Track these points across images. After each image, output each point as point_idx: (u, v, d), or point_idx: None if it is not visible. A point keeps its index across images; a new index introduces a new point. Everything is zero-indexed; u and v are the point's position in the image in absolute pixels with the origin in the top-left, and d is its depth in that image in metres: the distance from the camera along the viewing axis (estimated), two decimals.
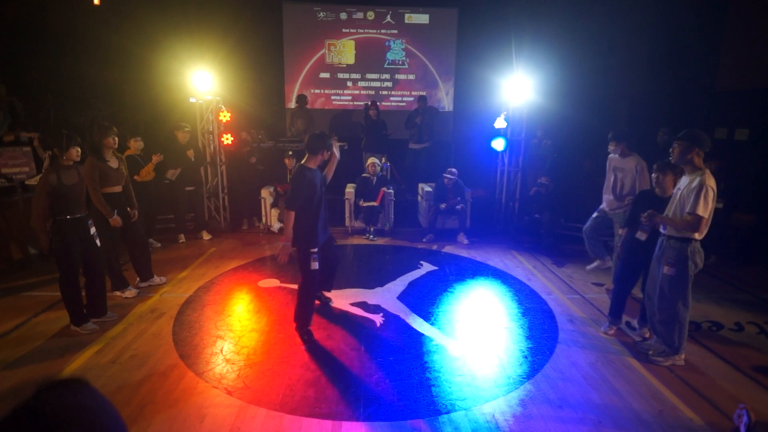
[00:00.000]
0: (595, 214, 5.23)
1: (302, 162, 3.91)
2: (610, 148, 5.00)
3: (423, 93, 9.34)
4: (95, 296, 4.12)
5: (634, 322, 4.25)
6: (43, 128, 7.06)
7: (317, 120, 9.34)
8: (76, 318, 3.96)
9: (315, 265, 3.84)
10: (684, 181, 3.46)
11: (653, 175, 4.11)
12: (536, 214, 6.64)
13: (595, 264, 5.35)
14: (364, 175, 7.23)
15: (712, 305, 4.77)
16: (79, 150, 3.94)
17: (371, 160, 7.27)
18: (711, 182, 3.26)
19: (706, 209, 3.23)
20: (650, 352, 3.69)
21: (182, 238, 6.69)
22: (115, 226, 4.54)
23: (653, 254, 3.66)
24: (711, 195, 3.24)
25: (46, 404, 0.72)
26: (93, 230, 4.09)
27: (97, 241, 4.11)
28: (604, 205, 5.15)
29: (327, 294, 4.66)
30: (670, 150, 3.48)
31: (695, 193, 3.25)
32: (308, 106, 9.06)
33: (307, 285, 3.91)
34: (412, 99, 9.84)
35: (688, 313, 3.52)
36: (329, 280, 4.54)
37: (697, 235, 3.34)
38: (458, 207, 6.78)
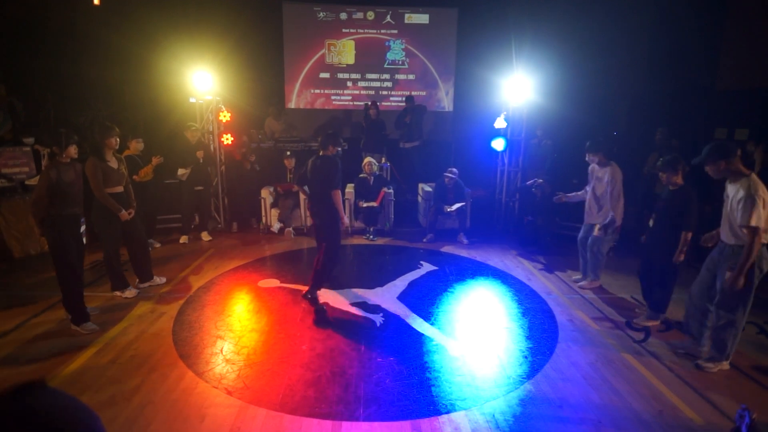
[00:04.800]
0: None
1: (321, 153, 4.50)
2: (587, 158, 5.00)
3: (423, 93, 9.34)
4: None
5: (635, 322, 4.27)
6: (42, 128, 7.06)
7: (318, 120, 9.34)
8: (76, 318, 3.96)
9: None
10: (730, 188, 3.36)
11: (661, 175, 4.11)
12: (529, 217, 6.62)
13: (585, 282, 5.28)
14: (361, 175, 7.22)
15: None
16: (77, 148, 3.96)
17: (367, 159, 7.26)
18: (759, 189, 3.16)
19: (759, 218, 3.11)
20: (699, 361, 3.57)
21: (185, 239, 6.65)
22: (125, 220, 4.56)
23: (710, 256, 3.56)
24: (760, 204, 3.13)
25: (5, 414, 0.71)
26: (83, 228, 4.10)
27: (84, 240, 4.13)
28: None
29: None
30: (706, 169, 3.39)
31: (742, 205, 3.16)
32: (309, 107, 9.06)
33: (332, 254, 4.59)
34: None
35: (745, 319, 3.46)
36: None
37: (763, 240, 3.21)
38: (454, 211, 6.75)
